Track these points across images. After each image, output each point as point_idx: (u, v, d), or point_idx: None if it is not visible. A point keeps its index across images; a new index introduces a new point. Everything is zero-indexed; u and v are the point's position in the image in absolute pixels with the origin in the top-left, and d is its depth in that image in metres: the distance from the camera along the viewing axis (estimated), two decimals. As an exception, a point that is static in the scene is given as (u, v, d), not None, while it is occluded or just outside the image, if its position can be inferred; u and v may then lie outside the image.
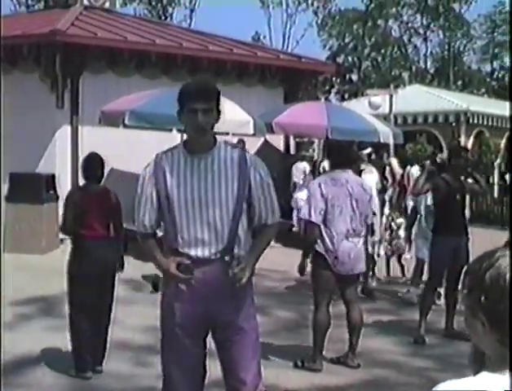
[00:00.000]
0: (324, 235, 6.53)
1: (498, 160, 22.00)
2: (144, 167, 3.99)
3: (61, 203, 12.06)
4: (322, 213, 6.49)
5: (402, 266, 10.65)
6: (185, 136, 4.19)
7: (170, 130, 12.00)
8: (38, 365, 6.50)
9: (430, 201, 8.71)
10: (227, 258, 3.84)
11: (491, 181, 21.90)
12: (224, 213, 3.84)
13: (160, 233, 4.09)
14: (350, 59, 43.16)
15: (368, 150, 14.72)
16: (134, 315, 8.07)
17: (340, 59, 41.64)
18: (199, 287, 3.82)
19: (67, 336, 6.30)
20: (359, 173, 11.30)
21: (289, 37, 43.94)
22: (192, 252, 3.84)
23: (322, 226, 6.52)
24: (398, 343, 7.51)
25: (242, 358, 3.94)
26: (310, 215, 6.47)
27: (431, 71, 46.13)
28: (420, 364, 6.87)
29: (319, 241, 6.52)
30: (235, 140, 13.69)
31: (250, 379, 3.99)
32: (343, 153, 6.95)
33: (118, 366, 6.46)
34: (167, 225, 3.90)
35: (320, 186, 6.58)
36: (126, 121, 11.30)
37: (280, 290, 9.91)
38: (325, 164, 12.29)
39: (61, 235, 12.19)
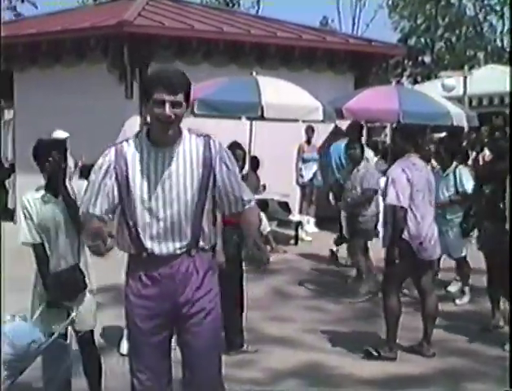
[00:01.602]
0: (410, 220, 6.43)
1: None
2: (103, 154, 3.73)
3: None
4: (408, 197, 6.43)
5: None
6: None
7: (240, 118, 11.98)
8: (111, 352, 6.53)
9: None
10: (193, 252, 3.72)
11: None
12: (188, 207, 3.67)
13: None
14: (422, 40, 42.36)
15: (443, 134, 14.44)
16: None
17: (412, 41, 40.92)
18: (166, 282, 3.71)
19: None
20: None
21: (358, 20, 43.40)
22: (156, 250, 3.69)
23: (408, 211, 6.42)
24: (472, 331, 7.29)
25: (203, 348, 3.79)
26: (398, 200, 6.37)
27: (508, 50, 45.00)
28: (496, 353, 6.65)
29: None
30: (304, 127, 13.59)
31: (209, 370, 3.85)
32: (413, 138, 6.80)
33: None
34: (128, 221, 3.68)
35: (404, 170, 6.48)
36: (195, 110, 11.32)
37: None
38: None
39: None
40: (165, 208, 3.66)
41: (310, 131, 13.79)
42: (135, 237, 3.69)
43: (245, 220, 3.91)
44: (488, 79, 22.96)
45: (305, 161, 13.87)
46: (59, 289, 4.76)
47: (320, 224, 13.76)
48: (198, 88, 11.73)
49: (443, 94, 16.40)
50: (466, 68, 20.97)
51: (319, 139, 14.23)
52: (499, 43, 44.84)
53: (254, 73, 11.93)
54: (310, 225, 13.70)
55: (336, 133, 13.99)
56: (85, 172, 8.38)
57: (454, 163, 8.70)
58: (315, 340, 7.07)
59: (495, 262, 7.08)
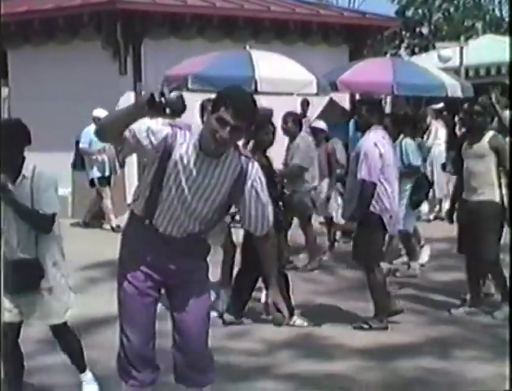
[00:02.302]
0: (383, 194, 6.45)
1: None
2: (162, 123, 3.73)
3: (127, 169, 12.41)
4: (379, 173, 6.43)
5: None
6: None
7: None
8: (109, 326, 6.59)
9: None
10: (190, 238, 3.88)
11: None
12: (207, 215, 3.83)
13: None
14: (420, 11, 42.13)
15: (440, 105, 14.44)
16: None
17: (409, 13, 40.68)
18: (159, 247, 3.85)
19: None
20: (425, 130, 11.06)
21: (355, -7, 43.16)
22: (161, 229, 3.83)
23: (379, 186, 6.42)
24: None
25: (192, 319, 3.98)
26: (370, 175, 6.36)
27: (507, 19, 44.74)
28: (486, 321, 6.74)
29: (374, 201, 6.42)
30: (299, 100, 13.58)
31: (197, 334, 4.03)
32: (377, 109, 6.83)
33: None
34: (149, 196, 3.80)
35: (376, 145, 6.48)
36: (190, 85, 11.33)
37: (344, 249, 9.83)
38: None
39: (129, 200, 12.44)
40: (185, 208, 3.77)
41: (305, 104, 13.78)
42: (148, 213, 3.81)
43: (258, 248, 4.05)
44: (486, 49, 22.88)
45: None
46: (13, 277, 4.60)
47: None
48: (192, 63, 11.76)
49: (440, 65, 16.39)
50: (462, 38, 20.90)
51: (314, 112, 14.24)
52: (497, 13, 44.61)
53: (248, 47, 11.93)
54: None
55: (331, 106, 14.00)
56: None
57: (401, 136, 8.63)
58: (308, 311, 7.13)
59: (473, 234, 6.94)
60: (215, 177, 3.74)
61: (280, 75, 11.51)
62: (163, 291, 4.04)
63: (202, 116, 7.08)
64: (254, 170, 3.83)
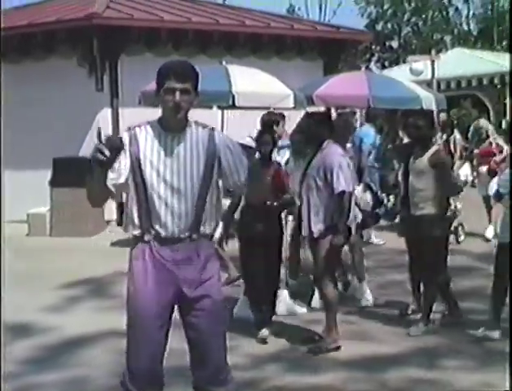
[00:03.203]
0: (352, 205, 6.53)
1: (545, 121, 21.54)
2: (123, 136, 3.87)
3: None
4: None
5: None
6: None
7: (211, 107, 12.01)
8: (89, 345, 6.59)
9: None
10: (194, 237, 3.88)
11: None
12: (193, 191, 3.86)
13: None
14: (389, 25, 42.56)
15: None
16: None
17: (379, 27, 41.09)
18: (169, 266, 3.84)
19: (116, 316, 6.35)
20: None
21: (325, 7, 43.57)
22: (162, 232, 3.84)
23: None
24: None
25: (209, 333, 3.96)
26: (348, 186, 6.37)
27: (474, 33, 45.29)
28: (471, 332, 6.77)
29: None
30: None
31: (216, 359, 4.01)
32: (328, 123, 6.84)
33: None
34: (138, 202, 3.84)
35: (343, 156, 6.54)
36: (167, 101, 11.31)
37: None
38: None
39: (107, 217, 12.42)
40: (173, 190, 3.83)
41: (281, 118, 13.82)
42: (144, 218, 3.84)
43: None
44: (456, 62, 23.19)
45: (278, 148, 13.89)
46: None
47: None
48: (169, 79, 11.78)
49: (412, 79, 16.53)
50: (434, 51, 21.14)
51: (291, 126, 14.30)
52: (465, 27, 45.15)
53: (224, 63, 11.97)
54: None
55: (306, 120, 14.05)
56: None
57: None
58: (292, 324, 7.15)
59: (419, 249, 6.97)
60: (187, 150, 3.87)
61: (258, 89, 11.55)
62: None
63: None
64: (222, 135, 4.08)
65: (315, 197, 6.46)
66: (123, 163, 3.78)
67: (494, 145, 11.17)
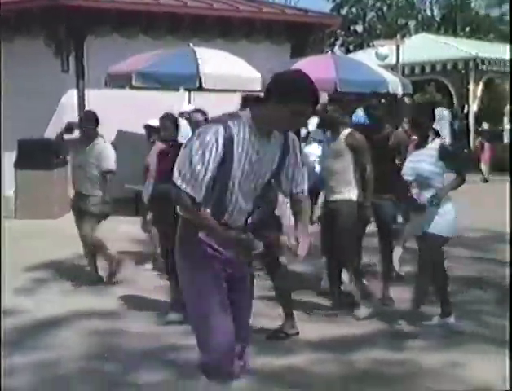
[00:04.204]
0: None
1: (508, 106, 21.82)
2: (213, 132, 3.66)
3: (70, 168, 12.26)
4: None
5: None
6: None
7: (178, 89, 11.99)
8: (60, 327, 6.58)
9: None
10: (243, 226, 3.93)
11: (501, 127, 21.81)
12: (257, 191, 3.91)
13: None
14: (354, 10, 42.59)
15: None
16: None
17: (344, 11, 41.09)
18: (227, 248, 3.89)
19: (85, 298, 6.37)
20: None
21: (291, -10, 43.43)
22: (230, 221, 3.85)
23: None
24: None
25: (248, 309, 4.19)
26: None
27: (438, 18, 45.53)
28: (436, 312, 6.86)
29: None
30: (238, 97, 13.60)
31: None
32: None
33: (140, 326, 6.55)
34: (217, 193, 3.79)
35: None
36: (133, 82, 11.33)
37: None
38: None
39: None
40: (246, 189, 3.83)
41: (245, 101, 13.82)
42: (217, 209, 3.80)
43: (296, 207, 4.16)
44: (420, 47, 23.29)
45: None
46: None
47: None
48: (136, 60, 11.72)
49: (377, 63, 16.63)
50: (399, 36, 21.24)
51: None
52: (429, 12, 45.38)
53: (192, 45, 11.95)
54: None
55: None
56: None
57: None
58: (262, 307, 7.19)
59: (332, 235, 6.91)
60: (270, 153, 3.84)
61: (225, 72, 11.57)
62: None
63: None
64: (295, 139, 4.02)
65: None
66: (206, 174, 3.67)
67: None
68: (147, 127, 9.59)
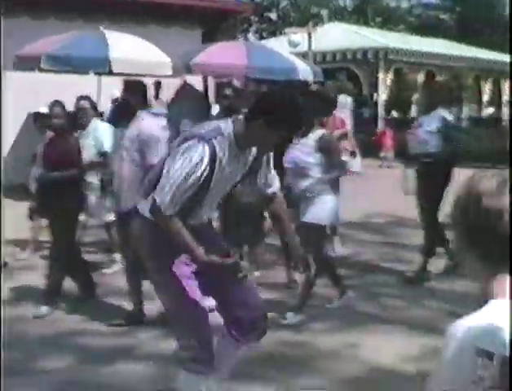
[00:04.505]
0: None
1: (415, 96, 22.37)
2: (199, 152, 3.71)
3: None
4: None
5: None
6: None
7: (87, 73, 11.87)
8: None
9: None
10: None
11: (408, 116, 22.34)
12: (228, 190, 4.12)
13: None
14: (268, -3, 42.86)
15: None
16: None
17: (258, -2, 41.29)
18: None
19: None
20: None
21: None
22: (190, 220, 3.92)
23: None
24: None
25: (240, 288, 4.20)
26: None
27: (350, 8, 46.17)
28: (333, 294, 7.01)
29: None
30: (151, 81, 13.56)
31: None
32: (142, 93, 6.44)
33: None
34: (192, 202, 3.87)
35: (161, 128, 6.48)
36: (42, 65, 11.14)
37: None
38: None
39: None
40: (222, 191, 4.04)
41: (157, 86, 13.79)
42: (187, 212, 3.86)
43: None
44: (332, 36, 23.65)
45: (154, 116, 13.87)
46: None
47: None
48: (45, 43, 11.54)
49: (289, 50, 16.79)
50: (311, 24, 21.48)
51: (168, 94, 14.29)
52: (341, 2, 45.99)
53: (102, 28, 11.84)
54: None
55: (184, 89, 14.07)
56: None
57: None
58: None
59: None
60: (245, 158, 3.93)
61: (134, 56, 11.50)
62: None
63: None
64: None
65: (126, 169, 6.08)
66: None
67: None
68: (37, 114, 9.38)
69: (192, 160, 3.67)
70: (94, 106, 8.44)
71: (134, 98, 6.24)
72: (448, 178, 7.52)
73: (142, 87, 6.41)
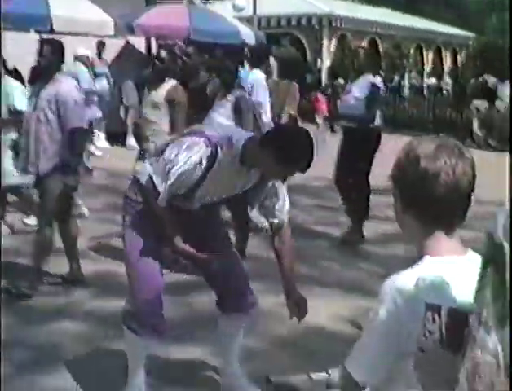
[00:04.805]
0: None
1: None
2: (200, 153, 3.71)
3: None
4: None
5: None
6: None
7: (28, 31, 11.69)
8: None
9: None
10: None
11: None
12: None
13: None
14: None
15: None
16: None
17: (204, -40, 40.91)
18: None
19: None
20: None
21: None
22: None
23: None
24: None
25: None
26: (82, 123, 6.13)
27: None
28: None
29: None
30: (94, 41, 13.43)
31: None
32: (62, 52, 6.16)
33: None
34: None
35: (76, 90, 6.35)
36: (-17, 22, 10.89)
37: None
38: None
39: None
40: (210, 201, 3.98)
41: (100, 45, 13.67)
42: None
43: None
44: (277, 1, 23.60)
45: (96, 75, 13.75)
46: None
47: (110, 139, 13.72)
48: (-17, -1, 11.31)
49: (234, 14, 16.75)
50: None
51: (110, 54, 14.16)
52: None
53: (43, -15, 11.65)
54: (101, 140, 13.65)
55: (127, 49, 13.98)
56: None
57: None
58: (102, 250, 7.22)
59: None
60: (249, 176, 3.85)
61: (77, 15, 11.37)
62: None
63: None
64: None
65: (43, 132, 5.87)
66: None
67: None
68: None
69: (191, 158, 3.70)
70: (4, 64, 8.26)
71: (51, 58, 6.01)
72: (374, 143, 7.63)
73: (59, 46, 6.16)
